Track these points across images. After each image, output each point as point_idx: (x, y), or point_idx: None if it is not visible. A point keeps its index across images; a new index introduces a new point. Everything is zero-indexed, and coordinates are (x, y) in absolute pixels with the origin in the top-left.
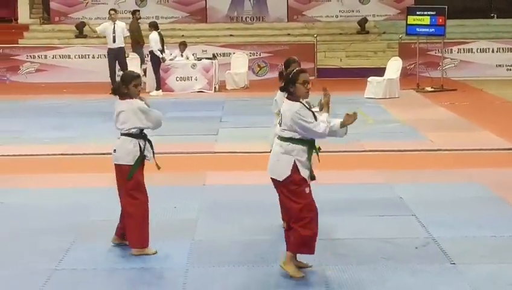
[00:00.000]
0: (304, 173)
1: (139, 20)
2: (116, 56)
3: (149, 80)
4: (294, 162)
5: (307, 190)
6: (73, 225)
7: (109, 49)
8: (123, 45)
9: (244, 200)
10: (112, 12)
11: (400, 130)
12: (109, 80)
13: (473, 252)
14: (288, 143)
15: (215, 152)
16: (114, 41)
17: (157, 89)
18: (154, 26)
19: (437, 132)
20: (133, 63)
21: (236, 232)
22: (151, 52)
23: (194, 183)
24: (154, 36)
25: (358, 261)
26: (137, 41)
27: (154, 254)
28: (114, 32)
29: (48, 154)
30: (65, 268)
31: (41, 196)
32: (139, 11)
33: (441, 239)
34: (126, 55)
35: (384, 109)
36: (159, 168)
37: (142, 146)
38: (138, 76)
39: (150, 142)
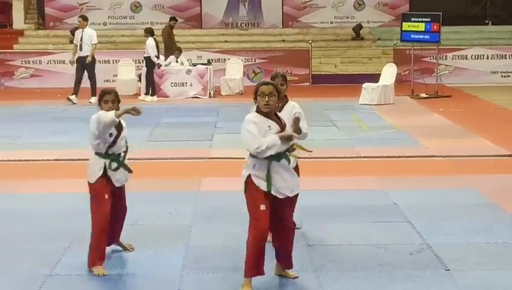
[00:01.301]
0: (258, 182)
1: (172, 28)
2: (83, 65)
3: (143, 85)
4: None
5: (262, 207)
6: (68, 230)
7: (77, 57)
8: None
9: (239, 206)
10: (80, 19)
11: (394, 136)
12: (104, 84)
13: (467, 258)
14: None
15: (210, 158)
16: (81, 49)
17: (152, 94)
18: (150, 32)
19: (432, 138)
20: (128, 70)
21: (231, 238)
22: (148, 58)
23: (189, 189)
24: (151, 42)
25: (353, 267)
26: (168, 47)
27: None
28: (81, 40)
29: (43, 160)
30: (59, 274)
31: (35, 201)
32: (175, 18)
33: (435, 245)
34: (88, 61)
35: (378, 115)
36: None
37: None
38: (109, 92)
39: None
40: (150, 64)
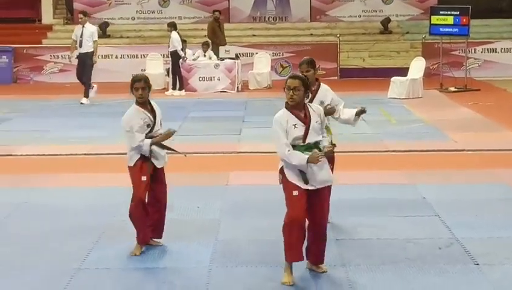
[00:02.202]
0: (292, 177)
1: (218, 20)
2: (83, 61)
3: (171, 80)
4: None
5: (294, 193)
6: (98, 225)
7: (79, 53)
8: (90, 50)
9: (267, 200)
10: (80, 15)
11: (423, 130)
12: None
13: (496, 253)
14: None
15: (238, 152)
16: (81, 45)
17: (180, 89)
18: (174, 26)
19: (461, 132)
20: (156, 64)
21: (259, 232)
22: (173, 52)
23: (217, 183)
24: (176, 36)
25: (382, 261)
26: (214, 42)
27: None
28: (81, 36)
29: (73, 154)
30: (89, 268)
31: (65, 196)
32: (218, 11)
33: (464, 240)
34: (94, 62)
35: (407, 109)
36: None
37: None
38: (139, 79)
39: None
40: (176, 58)
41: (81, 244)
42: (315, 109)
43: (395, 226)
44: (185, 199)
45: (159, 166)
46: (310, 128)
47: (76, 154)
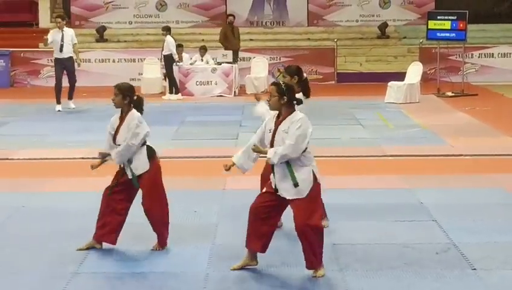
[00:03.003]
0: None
1: (233, 25)
2: (65, 66)
3: (169, 84)
4: None
5: (264, 189)
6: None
7: (56, 58)
8: (72, 54)
9: None
10: (59, 20)
11: (420, 135)
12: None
13: (494, 257)
14: None
15: None
16: (61, 50)
17: (176, 92)
18: (168, 30)
19: (458, 137)
20: (153, 68)
21: None
22: (167, 56)
23: (214, 187)
24: (171, 40)
25: (379, 266)
26: (225, 47)
27: None
28: (62, 40)
29: (70, 158)
30: (86, 272)
31: (63, 199)
32: (232, 15)
33: (462, 245)
34: (77, 65)
35: (404, 113)
36: None
37: None
38: (114, 86)
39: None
40: (171, 61)
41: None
42: (296, 117)
43: (392, 231)
44: (182, 203)
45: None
46: (276, 134)
47: (73, 158)
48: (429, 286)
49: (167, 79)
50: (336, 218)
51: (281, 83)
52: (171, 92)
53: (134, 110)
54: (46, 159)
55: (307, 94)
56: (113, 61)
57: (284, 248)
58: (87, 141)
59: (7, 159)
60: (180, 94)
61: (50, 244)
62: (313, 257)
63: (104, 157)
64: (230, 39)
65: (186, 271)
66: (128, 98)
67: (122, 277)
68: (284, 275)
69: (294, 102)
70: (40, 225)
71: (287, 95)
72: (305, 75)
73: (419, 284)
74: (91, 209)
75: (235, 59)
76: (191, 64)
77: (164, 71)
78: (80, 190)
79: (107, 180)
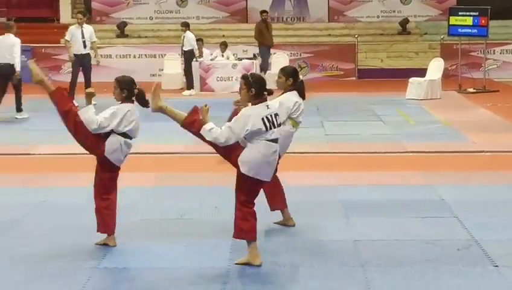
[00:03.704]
0: None
1: (267, 21)
2: (82, 63)
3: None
4: None
5: None
6: (117, 224)
7: (74, 55)
8: (89, 51)
9: None
10: (80, 16)
11: (441, 131)
12: (149, 79)
13: None
14: None
15: None
16: (84, 46)
17: (191, 87)
18: (187, 25)
19: (479, 133)
20: (173, 64)
21: (276, 232)
22: (191, 51)
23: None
24: (192, 35)
25: (399, 262)
26: (260, 43)
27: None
28: (83, 37)
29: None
30: (107, 267)
31: (83, 195)
32: (266, 12)
33: (483, 241)
34: (97, 63)
35: (425, 110)
36: None
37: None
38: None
39: None
40: (191, 57)
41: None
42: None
43: (413, 227)
44: (202, 199)
45: None
46: None
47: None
48: (450, 282)
49: (185, 74)
50: (357, 214)
51: (249, 75)
52: (188, 88)
53: (127, 104)
54: (66, 154)
55: (302, 96)
56: (134, 57)
57: (305, 245)
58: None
59: (28, 154)
60: (193, 90)
61: (70, 239)
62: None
63: None
64: (265, 35)
65: (206, 266)
66: (126, 91)
67: (142, 272)
68: (304, 271)
69: (265, 93)
70: (60, 220)
71: (254, 87)
72: (301, 77)
73: (440, 281)
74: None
75: (267, 56)
76: (211, 60)
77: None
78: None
79: (128, 175)
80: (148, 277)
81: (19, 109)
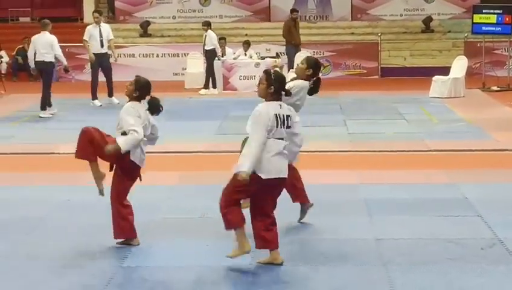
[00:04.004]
0: None
1: (296, 20)
2: (101, 62)
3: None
4: None
5: None
6: (139, 222)
7: (98, 53)
8: (107, 50)
9: None
10: (96, 14)
11: (465, 129)
12: (172, 78)
13: None
14: None
15: None
16: (102, 45)
17: (214, 86)
18: (209, 24)
19: (503, 132)
20: (196, 63)
21: (293, 230)
22: (213, 50)
23: None
24: (214, 34)
25: (422, 261)
26: (287, 41)
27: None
28: (101, 36)
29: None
30: (130, 265)
31: (107, 194)
32: (296, 10)
33: (507, 240)
34: (114, 60)
35: (449, 108)
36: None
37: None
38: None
39: None
40: (213, 56)
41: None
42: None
43: (436, 226)
44: None
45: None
46: None
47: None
48: (474, 281)
49: (205, 73)
50: (379, 212)
51: (271, 72)
52: (206, 88)
53: (135, 102)
54: None
55: (315, 90)
56: (157, 56)
57: (322, 243)
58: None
59: (52, 153)
60: (216, 89)
61: (94, 238)
62: None
63: None
64: (294, 34)
65: (231, 265)
66: (138, 92)
67: (164, 270)
68: (325, 270)
69: (283, 92)
70: (84, 219)
71: (274, 85)
72: (320, 75)
73: (464, 280)
74: (135, 203)
75: (293, 54)
76: (234, 58)
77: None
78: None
79: (151, 174)
80: (170, 275)
81: (49, 104)
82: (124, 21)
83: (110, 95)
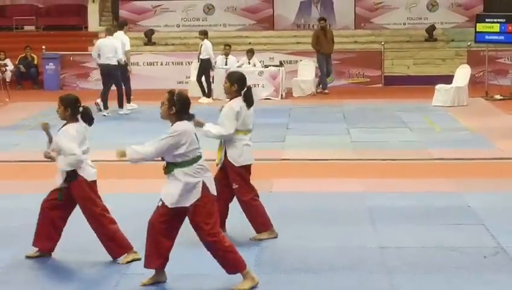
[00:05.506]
0: None
1: (325, 28)
2: (123, 72)
3: (216, 87)
4: None
5: None
6: (144, 229)
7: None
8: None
9: (310, 207)
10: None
11: (468, 138)
12: (177, 86)
13: None
14: None
15: (282, 159)
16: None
17: (208, 96)
18: (206, 34)
19: (506, 140)
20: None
21: (302, 239)
22: (208, 60)
23: (261, 190)
24: (210, 44)
25: (426, 270)
26: (315, 49)
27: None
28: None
29: (119, 160)
30: (134, 273)
31: (112, 201)
32: (324, 19)
33: (510, 249)
34: (129, 71)
35: (452, 116)
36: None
37: None
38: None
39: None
40: (208, 66)
41: None
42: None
43: (440, 234)
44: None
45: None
46: None
47: (123, 160)
48: (477, 289)
49: (199, 82)
50: (383, 221)
51: (175, 93)
52: (206, 95)
53: (72, 124)
54: (96, 161)
55: (249, 103)
56: (161, 64)
57: (329, 251)
58: (142, 142)
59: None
60: (211, 98)
61: (99, 245)
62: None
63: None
64: (323, 43)
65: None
66: (69, 109)
67: (171, 278)
68: (329, 279)
69: (186, 115)
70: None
71: (176, 106)
72: (248, 84)
73: (467, 288)
74: (139, 210)
75: (322, 63)
76: (238, 67)
77: (213, 74)
78: (129, 191)
79: (157, 182)
80: (177, 284)
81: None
82: (129, 29)
83: (120, 106)
